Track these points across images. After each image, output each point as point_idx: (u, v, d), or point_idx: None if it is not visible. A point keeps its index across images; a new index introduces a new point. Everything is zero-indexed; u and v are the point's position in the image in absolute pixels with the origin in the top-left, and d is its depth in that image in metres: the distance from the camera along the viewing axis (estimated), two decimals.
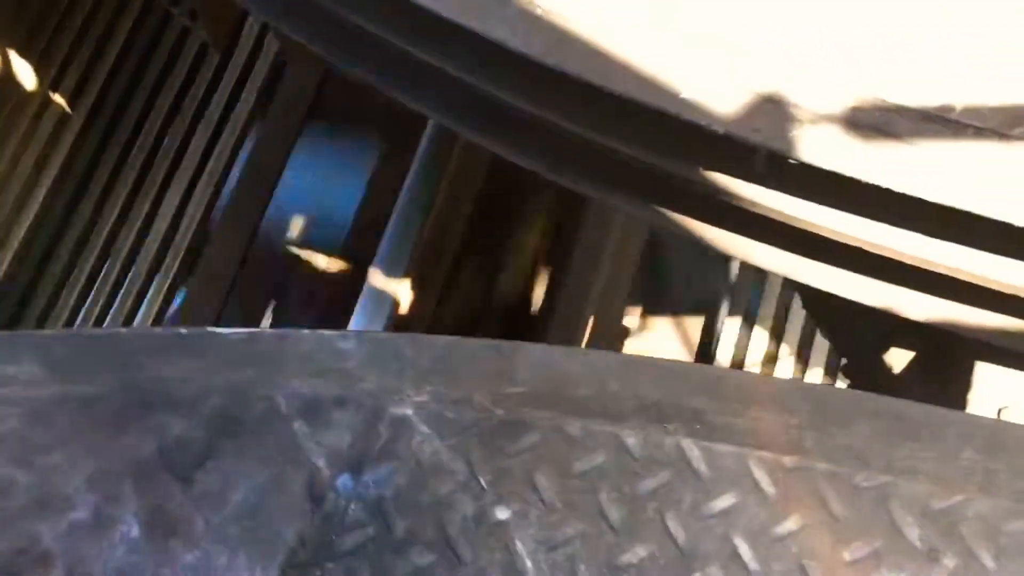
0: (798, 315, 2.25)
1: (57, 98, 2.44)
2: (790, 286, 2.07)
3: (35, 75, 2.43)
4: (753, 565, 0.82)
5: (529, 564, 0.84)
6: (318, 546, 0.85)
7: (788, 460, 0.85)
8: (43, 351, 0.91)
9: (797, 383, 0.96)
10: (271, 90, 2.36)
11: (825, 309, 1.50)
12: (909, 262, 1.02)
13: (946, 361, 1.29)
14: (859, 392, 0.84)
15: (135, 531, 0.86)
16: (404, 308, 2.21)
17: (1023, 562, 0.79)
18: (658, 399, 0.88)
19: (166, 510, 0.87)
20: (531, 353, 0.91)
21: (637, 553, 0.83)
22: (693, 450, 0.85)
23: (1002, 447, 0.85)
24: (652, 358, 0.89)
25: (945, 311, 1.09)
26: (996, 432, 0.87)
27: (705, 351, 2.34)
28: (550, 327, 2.22)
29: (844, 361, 1.62)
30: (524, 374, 0.90)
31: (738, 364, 2.27)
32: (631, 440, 0.86)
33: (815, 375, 2.20)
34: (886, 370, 1.37)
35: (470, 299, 2.36)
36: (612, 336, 2.29)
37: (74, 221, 2.50)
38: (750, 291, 2.33)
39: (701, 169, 1.06)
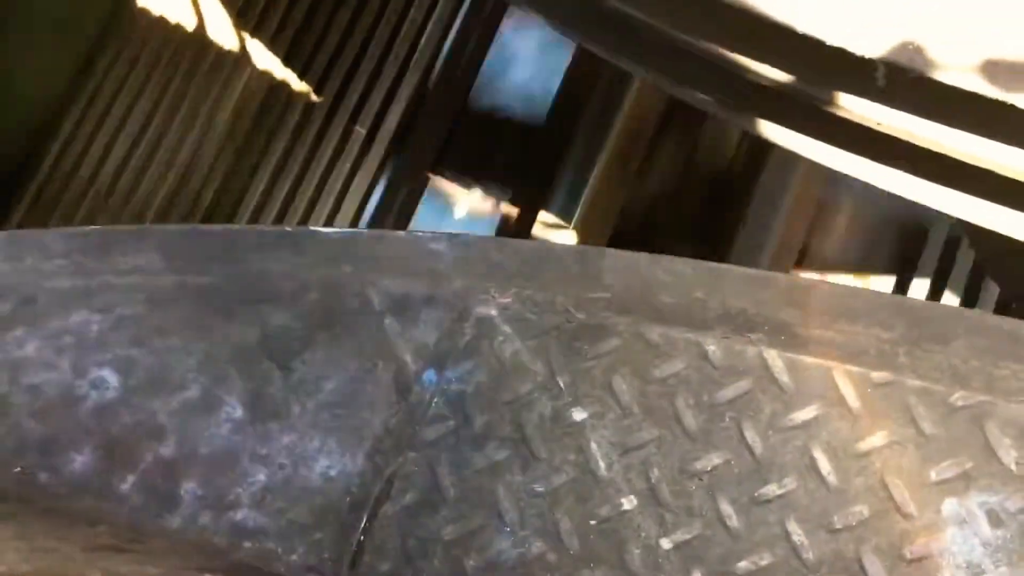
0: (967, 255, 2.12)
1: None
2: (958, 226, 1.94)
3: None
4: (832, 479, 0.79)
5: (602, 465, 0.84)
6: (402, 435, 0.89)
7: (877, 376, 0.81)
8: (164, 244, 0.98)
9: (891, 297, 0.91)
10: None
11: (992, 249, 1.40)
12: None
13: None
14: (960, 308, 0.79)
15: (239, 412, 0.92)
16: (604, 182, 2.30)
17: None
18: (743, 308, 0.85)
19: (266, 394, 0.93)
20: (616, 259, 0.90)
21: (711, 460, 0.82)
22: (776, 361, 0.83)
23: None
24: (739, 268, 0.87)
25: None
26: None
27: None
28: (753, 199, 2.24)
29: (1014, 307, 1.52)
30: (608, 279, 0.89)
31: None
32: (712, 348, 0.85)
33: None
34: None
35: (669, 174, 2.41)
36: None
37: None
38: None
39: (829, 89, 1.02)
